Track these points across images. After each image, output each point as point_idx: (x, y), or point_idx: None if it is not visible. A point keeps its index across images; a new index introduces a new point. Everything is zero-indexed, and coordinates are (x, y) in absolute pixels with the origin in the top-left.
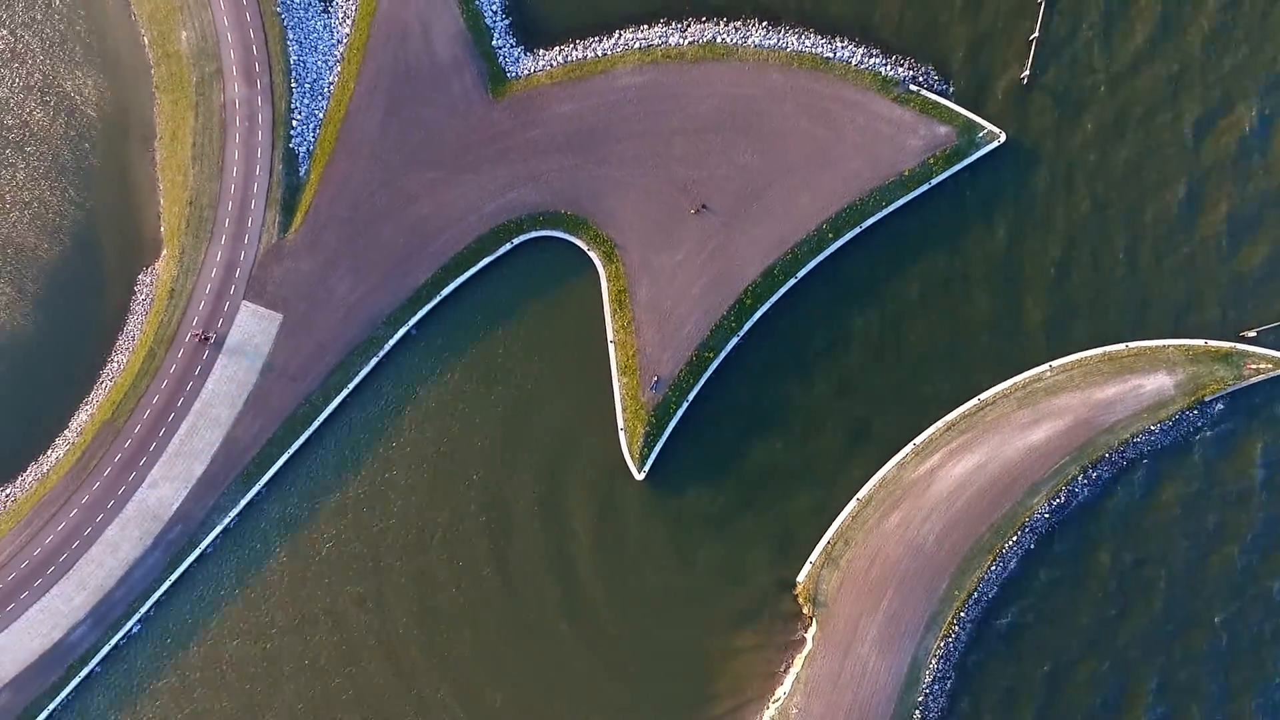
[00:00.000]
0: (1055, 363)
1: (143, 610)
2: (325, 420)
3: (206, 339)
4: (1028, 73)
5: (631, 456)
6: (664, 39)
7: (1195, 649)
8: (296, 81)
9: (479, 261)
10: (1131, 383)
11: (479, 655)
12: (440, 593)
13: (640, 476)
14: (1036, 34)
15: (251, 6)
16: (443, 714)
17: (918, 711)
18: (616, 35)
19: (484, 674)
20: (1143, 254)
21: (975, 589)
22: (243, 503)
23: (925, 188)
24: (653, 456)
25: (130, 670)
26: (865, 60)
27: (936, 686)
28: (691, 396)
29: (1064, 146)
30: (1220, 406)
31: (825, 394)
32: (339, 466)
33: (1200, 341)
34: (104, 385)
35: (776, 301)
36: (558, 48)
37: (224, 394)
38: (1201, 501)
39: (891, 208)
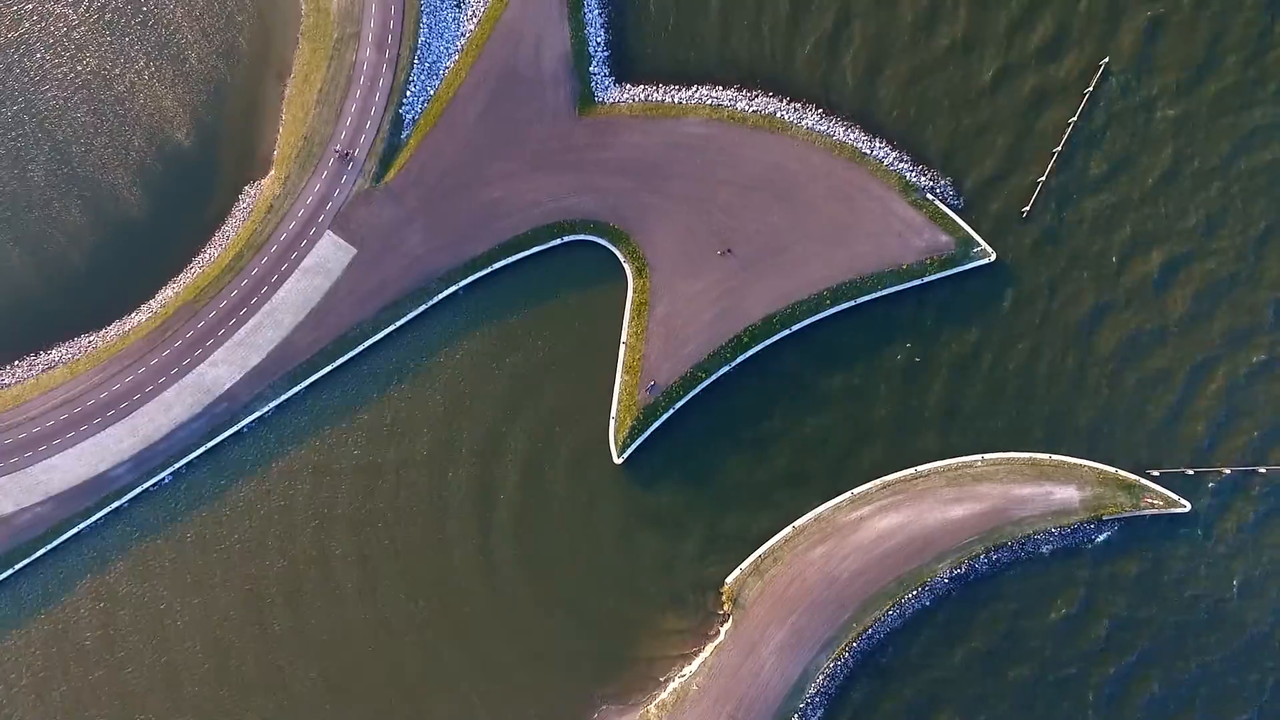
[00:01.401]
0: (987, 456)
1: (177, 466)
2: (369, 346)
3: (346, 155)
4: (1028, 209)
5: (615, 442)
6: (733, 102)
7: None
8: (419, 60)
9: (530, 248)
10: (1045, 488)
11: (438, 575)
12: (418, 516)
13: (618, 461)
14: (1043, 179)
15: None
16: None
17: (796, 716)
18: (694, 89)
19: (434, 582)
20: (1087, 381)
21: (870, 627)
22: (283, 397)
23: (917, 283)
24: (633, 447)
25: (151, 515)
26: (896, 163)
27: (816, 699)
28: (678, 406)
29: (1041, 278)
30: (1114, 528)
31: (788, 434)
32: (371, 388)
33: (1112, 469)
34: (193, 270)
35: (769, 345)
36: (643, 86)
37: (291, 303)
38: (1084, 616)
39: (884, 292)
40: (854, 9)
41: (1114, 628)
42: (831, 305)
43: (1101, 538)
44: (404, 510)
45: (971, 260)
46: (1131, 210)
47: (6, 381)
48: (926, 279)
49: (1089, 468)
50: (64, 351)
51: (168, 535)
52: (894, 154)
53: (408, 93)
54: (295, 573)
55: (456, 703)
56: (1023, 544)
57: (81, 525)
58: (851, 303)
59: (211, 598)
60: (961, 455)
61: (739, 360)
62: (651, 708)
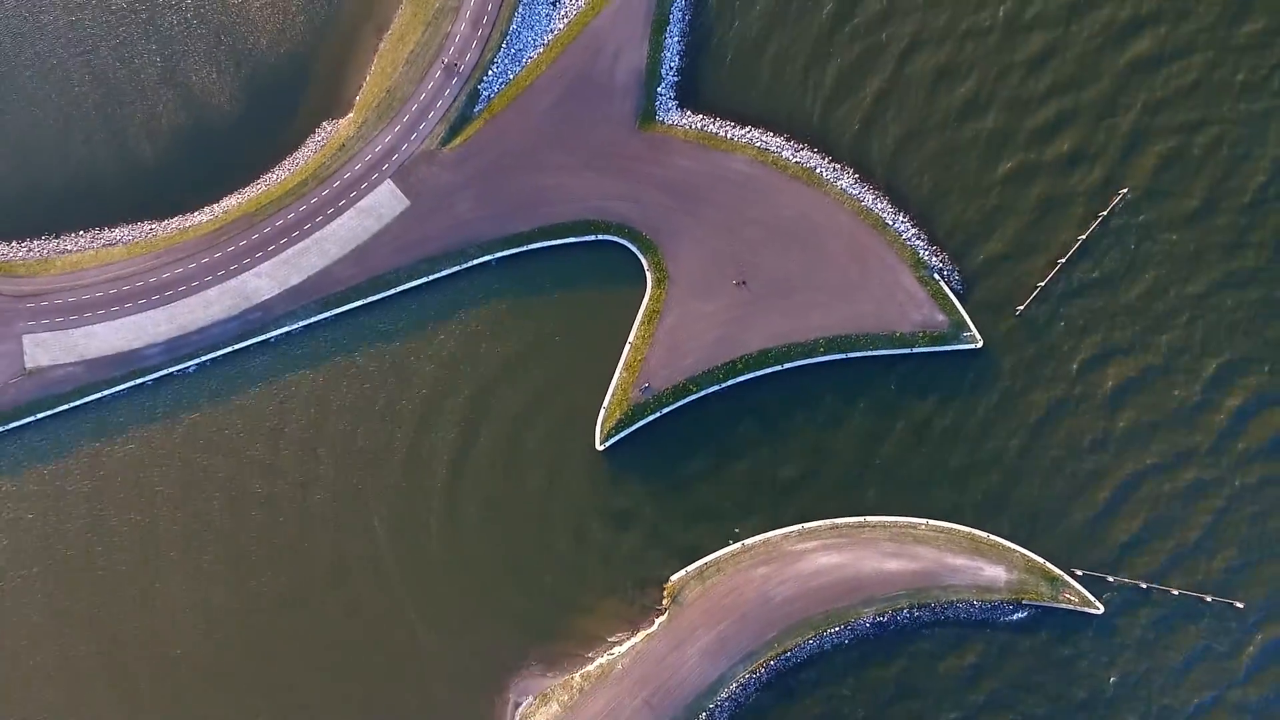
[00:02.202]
0: (931, 521)
1: (202, 359)
2: (399, 292)
3: (453, 67)
4: (1022, 309)
5: (601, 430)
6: (779, 150)
7: None
8: (506, 45)
9: (566, 237)
10: (977, 563)
11: (406, 512)
12: (397, 456)
13: (599, 447)
14: (1042, 284)
15: None
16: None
17: (704, 714)
18: (747, 129)
19: (400, 516)
20: (1035, 477)
21: (790, 649)
22: (311, 320)
23: (905, 351)
24: (615, 438)
25: (165, 398)
26: (913, 239)
27: (726, 703)
28: (665, 410)
29: (1020, 372)
30: (1030, 611)
31: (756, 460)
32: (389, 331)
33: (1041, 560)
34: (259, 186)
35: (759, 377)
36: (702, 116)
37: (339, 237)
38: (977, 676)
39: (874, 352)
40: (895, 88)
41: (998, 690)
42: (824, 354)
43: (1015, 616)
44: (385, 451)
45: (960, 343)
46: (1107, 320)
47: (69, 248)
48: (914, 349)
49: (1020, 554)
50: (126, 233)
51: (172, 420)
52: (913, 230)
53: (489, 72)
54: (274, 483)
55: (401, 628)
56: (944, 607)
57: (104, 392)
58: (842, 355)
59: (195, 488)
60: (901, 514)
61: (729, 383)
62: (577, 676)
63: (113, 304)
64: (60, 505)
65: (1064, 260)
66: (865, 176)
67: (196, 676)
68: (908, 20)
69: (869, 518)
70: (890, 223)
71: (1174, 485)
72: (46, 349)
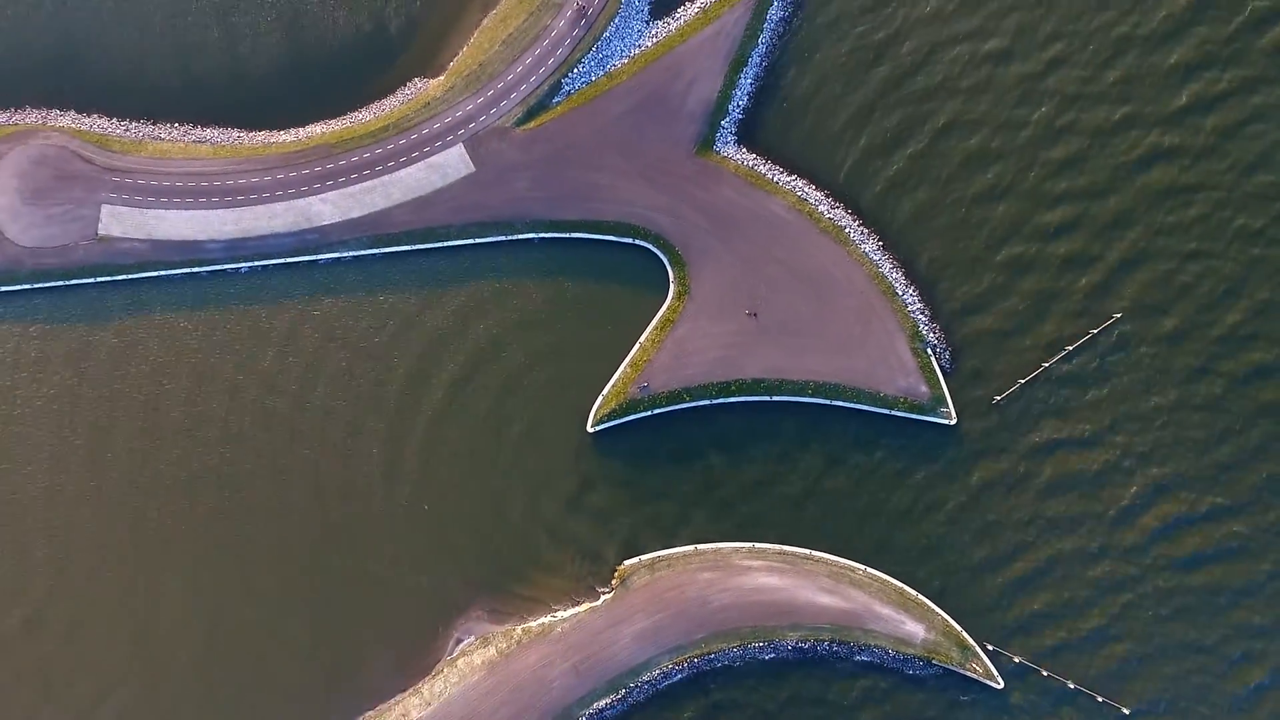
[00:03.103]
0: (869, 570)
1: (256, 264)
2: (446, 246)
3: (584, 9)
4: (1000, 399)
5: (595, 414)
6: (816, 204)
7: None
8: (596, 50)
9: (606, 234)
10: (902, 617)
11: (392, 446)
12: (391, 396)
13: (589, 429)
14: (1022, 381)
15: None
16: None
17: (623, 689)
18: (793, 177)
19: (385, 441)
20: (965, 537)
21: (714, 652)
22: (360, 252)
23: (884, 411)
24: (605, 425)
25: (211, 291)
26: (917, 312)
27: (646, 685)
28: (656, 411)
29: (975, 442)
30: (936, 670)
31: (728, 476)
32: (425, 279)
33: (959, 627)
34: (344, 122)
35: (748, 402)
36: (755, 155)
37: (405, 185)
38: (863, 703)
39: (855, 405)
40: (923, 159)
41: None
42: (811, 395)
43: (922, 672)
44: (379, 390)
45: (936, 416)
46: (1068, 414)
47: (162, 136)
48: (892, 412)
49: (942, 618)
50: (215, 135)
51: (201, 313)
52: (920, 304)
53: (574, 70)
54: (275, 395)
55: (367, 549)
56: (862, 649)
57: (160, 272)
58: (826, 401)
59: (204, 381)
60: (836, 546)
61: (720, 401)
62: (519, 629)
63: (188, 195)
64: (82, 363)
65: (1048, 364)
66: (887, 245)
67: (168, 546)
68: (951, 100)
69: (814, 552)
70: (900, 292)
71: (1091, 574)
72: (120, 221)
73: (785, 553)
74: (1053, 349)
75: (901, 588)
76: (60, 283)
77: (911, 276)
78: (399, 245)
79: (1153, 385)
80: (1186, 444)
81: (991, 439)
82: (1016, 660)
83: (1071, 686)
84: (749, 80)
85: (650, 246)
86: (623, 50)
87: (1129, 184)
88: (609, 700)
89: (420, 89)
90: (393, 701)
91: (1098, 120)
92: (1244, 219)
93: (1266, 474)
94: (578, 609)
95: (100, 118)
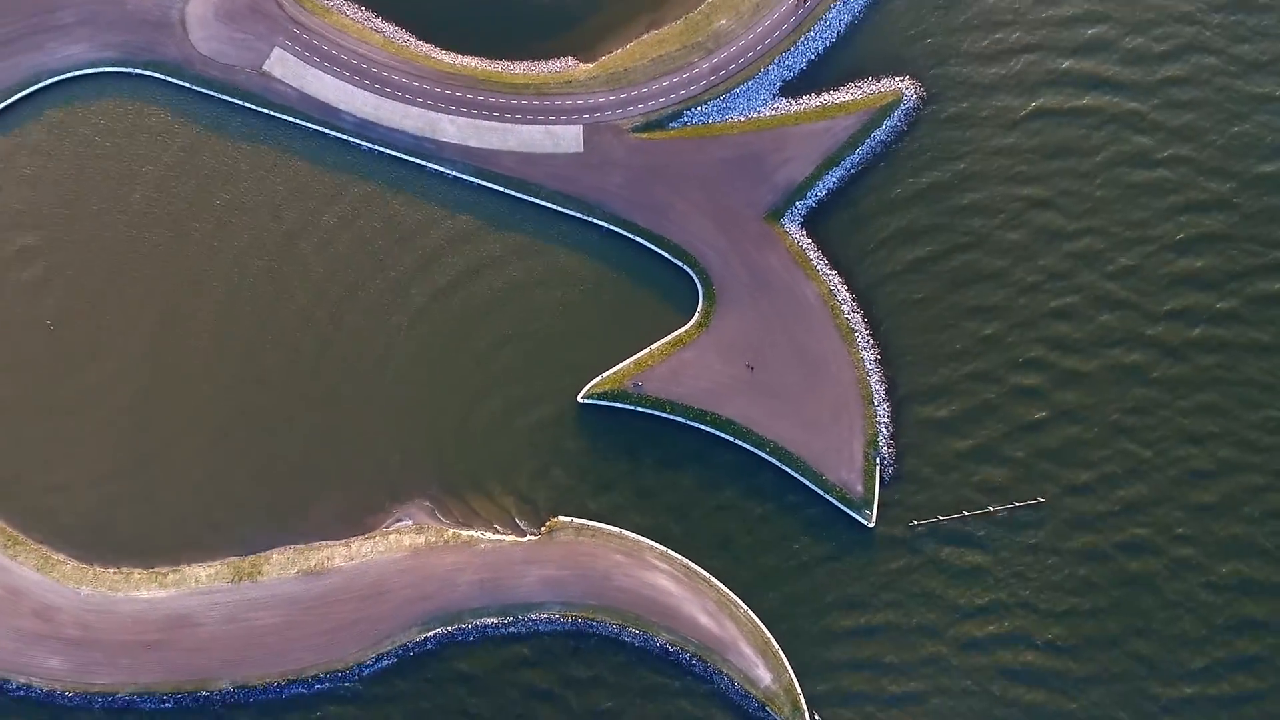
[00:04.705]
0: (749, 611)
1: (375, 147)
2: (526, 200)
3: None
4: (917, 525)
5: (590, 392)
6: (842, 302)
7: None
8: (722, 100)
9: (662, 249)
10: (758, 660)
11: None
12: (412, 294)
13: (579, 399)
14: (941, 518)
15: None
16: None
17: (511, 617)
18: (834, 271)
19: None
20: (838, 628)
21: (594, 620)
22: (457, 174)
23: (818, 491)
24: (592, 401)
25: (330, 156)
26: (882, 425)
27: (528, 622)
28: (638, 409)
29: (881, 561)
30: (769, 717)
31: (672, 489)
32: (493, 218)
33: (800, 692)
34: (495, 65)
35: (715, 436)
36: (810, 241)
37: (520, 138)
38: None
39: (799, 477)
40: (931, 282)
41: None
42: (767, 453)
43: (755, 712)
44: (408, 284)
45: (859, 514)
46: (955, 566)
47: (346, 12)
48: (822, 493)
49: (791, 678)
50: (390, 30)
51: (306, 167)
52: (887, 420)
53: (698, 107)
54: (323, 249)
55: (336, 408)
56: (716, 672)
57: (296, 120)
58: (777, 462)
59: (272, 214)
60: (731, 589)
61: (693, 424)
62: (450, 532)
63: (347, 69)
64: (190, 159)
65: (969, 514)
66: (884, 361)
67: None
68: (987, 255)
69: (713, 578)
70: (876, 403)
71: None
72: (284, 65)
73: (689, 568)
74: (978, 504)
75: (768, 637)
76: (213, 93)
77: (890, 395)
78: (491, 183)
79: (1048, 579)
80: (1059, 609)
81: (895, 553)
82: None
83: None
84: (833, 178)
85: (694, 276)
86: (744, 109)
87: (1108, 395)
88: (495, 620)
89: (568, 67)
90: (322, 544)
91: (1092, 330)
92: (1188, 451)
93: (1114, 633)
94: (503, 537)
95: None
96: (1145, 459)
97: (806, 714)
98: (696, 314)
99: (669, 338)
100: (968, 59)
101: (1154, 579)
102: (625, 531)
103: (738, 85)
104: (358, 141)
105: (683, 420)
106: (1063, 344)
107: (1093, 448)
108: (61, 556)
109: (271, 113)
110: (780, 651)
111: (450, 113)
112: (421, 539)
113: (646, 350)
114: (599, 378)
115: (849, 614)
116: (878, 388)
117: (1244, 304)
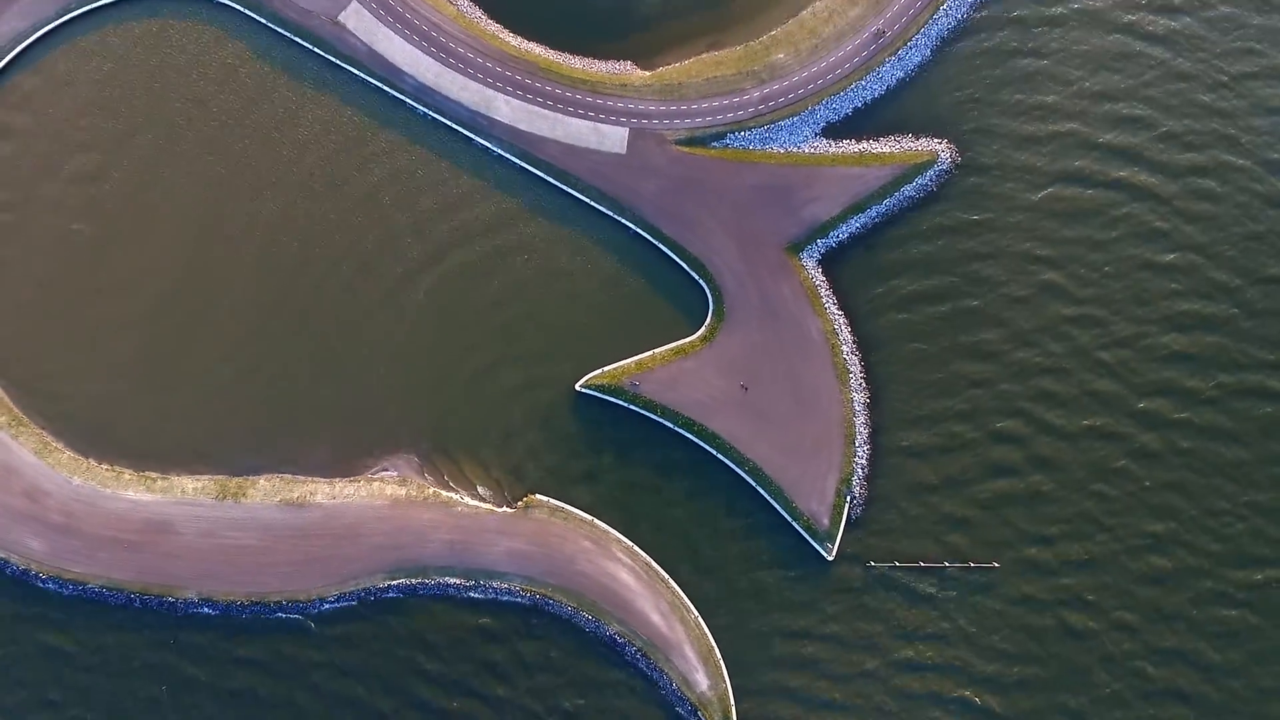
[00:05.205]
0: (700, 619)
1: (429, 113)
2: (560, 187)
3: (880, 33)
4: (874, 566)
5: (588, 382)
6: (844, 342)
7: None
8: (766, 130)
9: (680, 258)
10: (699, 667)
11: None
12: (436, 258)
13: (577, 387)
14: (898, 564)
15: None
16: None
17: (473, 581)
18: (841, 311)
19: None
20: (776, 654)
21: (551, 599)
22: (502, 153)
23: (786, 517)
24: (591, 393)
25: (383, 113)
26: (859, 466)
27: (489, 590)
28: (630, 407)
29: (834, 595)
30: None
31: (649, 488)
32: (527, 199)
33: (732, 700)
34: (557, 55)
35: (699, 446)
36: (824, 279)
37: (567, 130)
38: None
39: (771, 500)
40: (937, 372)
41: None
42: (745, 470)
43: (686, 714)
44: (434, 249)
45: (820, 546)
46: (904, 613)
47: None
48: (791, 521)
49: (726, 686)
50: (465, 5)
51: (361, 120)
52: (865, 463)
53: (741, 132)
54: (364, 205)
55: (344, 355)
56: (657, 670)
57: (358, 73)
58: (753, 482)
59: (296, 159)
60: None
61: (680, 431)
62: (432, 490)
63: (417, 34)
64: (249, 95)
65: (924, 565)
66: (872, 405)
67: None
68: (987, 329)
69: (672, 580)
70: (857, 444)
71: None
72: (358, 20)
73: (650, 567)
74: (936, 558)
75: (713, 645)
76: (287, 33)
77: (872, 439)
78: (531, 165)
79: (986, 626)
80: (991, 666)
81: (846, 590)
82: None
83: None
84: (856, 223)
85: (707, 290)
86: (784, 142)
87: (1076, 468)
88: (458, 581)
89: (626, 70)
90: (308, 479)
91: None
92: (1150, 526)
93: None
94: (481, 505)
95: None
96: (1107, 525)
97: None
98: (704, 327)
99: (673, 345)
100: (1007, 134)
101: (1093, 640)
102: (597, 520)
103: (783, 118)
104: (414, 104)
105: (670, 425)
106: (1042, 424)
107: (1055, 518)
108: (60, 444)
109: (339, 62)
110: (721, 662)
111: (507, 93)
112: (403, 491)
113: (650, 353)
114: (599, 370)
115: (792, 640)
116: (861, 429)
117: (1228, 395)
